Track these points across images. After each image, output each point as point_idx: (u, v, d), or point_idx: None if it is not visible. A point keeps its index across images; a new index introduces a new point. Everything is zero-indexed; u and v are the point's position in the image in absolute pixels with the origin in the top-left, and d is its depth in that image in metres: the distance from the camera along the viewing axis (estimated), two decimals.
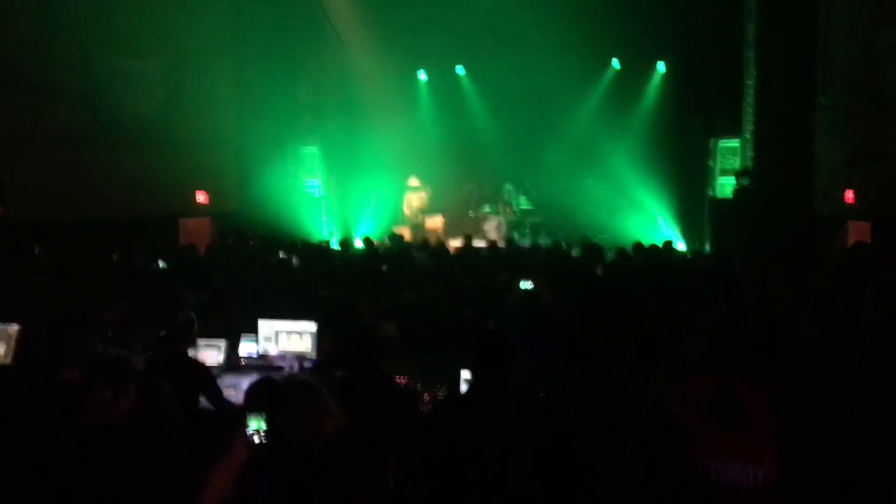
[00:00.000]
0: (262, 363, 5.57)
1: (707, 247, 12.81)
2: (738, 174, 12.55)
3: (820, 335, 4.09)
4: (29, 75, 11.54)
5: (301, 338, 5.56)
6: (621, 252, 9.31)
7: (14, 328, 5.34)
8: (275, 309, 5.92)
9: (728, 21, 13.03)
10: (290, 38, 14.50)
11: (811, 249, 10.19)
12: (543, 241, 13.86)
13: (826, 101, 11.75)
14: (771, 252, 9.41)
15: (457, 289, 6.69)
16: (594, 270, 7.96)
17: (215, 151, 13.99)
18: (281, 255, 9.76)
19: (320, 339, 5.52)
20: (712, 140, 13.75)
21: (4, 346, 5.33)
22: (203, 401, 4.49)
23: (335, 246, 10.72)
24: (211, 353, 5.42)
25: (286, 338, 5.58)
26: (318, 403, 2.92)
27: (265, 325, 5.63)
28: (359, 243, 12.10)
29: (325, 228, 14.46)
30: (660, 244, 10.16)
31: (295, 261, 9.33)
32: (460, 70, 15.80)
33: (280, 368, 5.41)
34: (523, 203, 15.62)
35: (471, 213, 15.96)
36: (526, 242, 13.51)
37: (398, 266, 8.60)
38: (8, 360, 5.28)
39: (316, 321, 5.57)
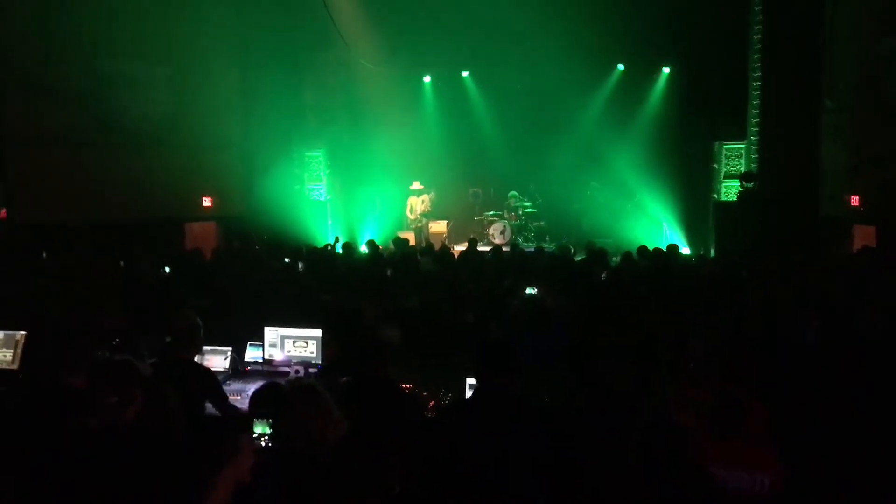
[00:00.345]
0: (268, 369, 5.59)
1: (712, 251, 12.80)
2: (743, 178, 12.54)
3: (823, 341, 4.09)
4: (35, 79, 11.58)
5: (306, 344, 5.58)
6: (626, 256, 9.30)
7: (21, 334, 5.37)
8: (280, 314, 5.94)
9: (732, 25, 13.05)
10: (295, 43, 14.55)
11: (816, 253, 10.16)
12: (548, 245, 13.86)
13: (831, 105, 11.73)
14: (775, 256, 9.39)
15: (461, 293, 6.69)
16: (598, 275, 7.95)
17: (221, 155, 14.05)
18: (286, 260, 9.78)
19: (325, 345, 5.54)
20: (717, 143, 13.74)
21: (12, 352, 5.37)
22: (209, 406, 4.50)
23: (339, 250, 10.71)
24: (217, 359, 5.45)
25: (291, 344, 5.60)
26: (322, 408, 2.93)
27: (270, 332, 5.65)
28: (363, 248, 12.12)
29: (329, 232, 14.47)
30: (664, 248, 10.14)
31: (300, 265, 9.35)
32: (465, 74, 15.83)
33: (285, 374, 5.42)
34: (527, 207, 15.63)
35: (475, 218, 15.99)
36: (530, 247, 13.51)
37: (403, 271, 8.61)
38: (15, 366, 5.32)
39: (321, 327, 5.59)
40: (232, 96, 14.24)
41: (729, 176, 13.47)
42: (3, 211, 11.21)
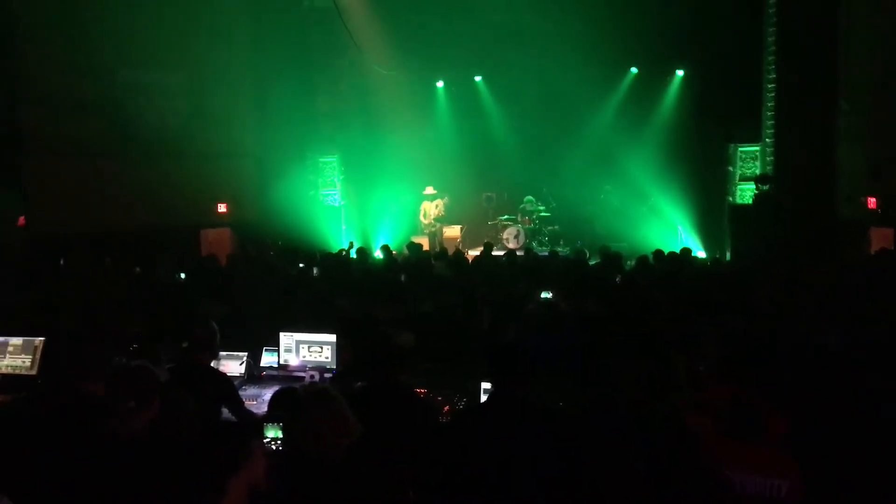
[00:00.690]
0: (283, 374, 5.61)
1: (727, 254, 12.72)
2: (758, 180, 12.45)
3: (843, 347, 4.05)
4: (54, 89, 11.72)
5: (321, 349, 5.61)
6: (642, 260, 9.25)
7: (39, 340, 5.43)
8: (295, 319, 5.97)
9: (747, 26, 12.97)
10: (309, 50, 14.63)
11: (832, 256, 10.07)
12: (562, 249, 13.83)
13: (848, 107, 11.63)
14: (792, 260, 9.31)
15: (475, 298, 6.69)
16: (613, 279, 7.92)
17: (236, 162, 14.15)
18: (300, 266, 9.82)
19: (340, 350, 5.56)
20: (732, 146, 13.64)
21: (31, 358, 5.43)
22: (225, 411, 4.53)
23: (354, 255, 10.75)
24: (232, 365, 5.48)
25: (307, 349, 5.63)
26: (336, 413, 2.94)
27: (286, 337, 5.68)
28: (378, 253, 12.15)
29: (344, 238, 14.52)
30: (679, 252, 10.08)
31: (314, 271, 9.39)
32: (478, 79, 15.85)
33: (301, 379, 5.44)
34: (542, 211, 15.61)
35: (489, 222, 16.00)
36: (544, 251, 13.49)
37: (417, 276, 8.62)
38: (34, 372, 5.38)
39: (335, 332, 5.61)
40: (246, 103, 14.34)
41: (744, 178, 13.37)
42: (22, 219, 11.34)
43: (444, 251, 11.67)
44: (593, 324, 5.49)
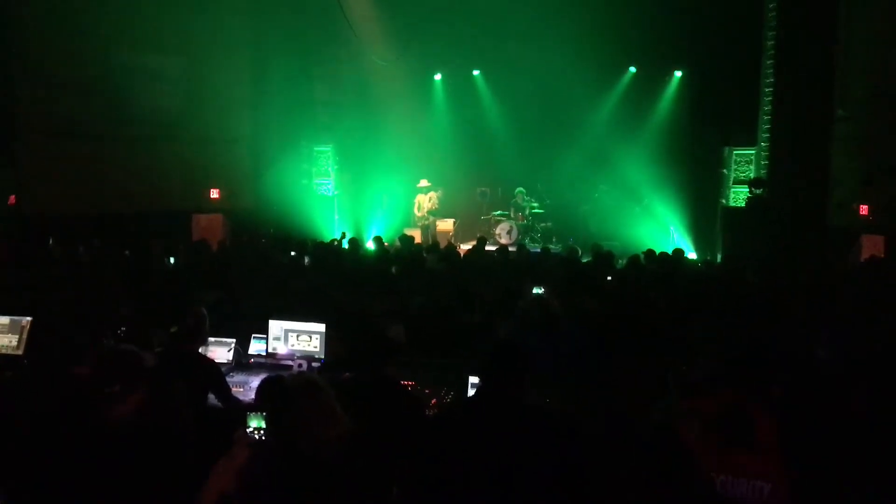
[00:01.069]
0: (271, 362, 5.60)
1: (719, 256, 12.76)
2: (752, 184, 12.49)
3: (833, 356, 4.07)
4: (48, 70, 11.63)
5: (310, 338, 5.60)
6: (633, 259, 9.27)
7: (27, 320, 5.41)
8: (285, 308, 5.95)
9: (746, 30, 12.99)
10: (308, 38, 14.56)
11: (823, 263, 10.11)
12: (554, 246, 13.85)
13: (843, 113, 11.67)
14: (784, 266, 9.34)
15: (467, 293, 6.68)
16: (604, 279, 7.92)
17: (230, 148, 14.09)
18: (292, 254, 9.80)
19: (329, 340, 5.55)
20: (727, 148, 13.68)
21: (17, 337, 5.40)
22: (211, 398, 4.52)
23: (346, 246, 10.72)
24: (221, 351, 5.47)
25: (295, 338, 5.62)
26: (323, 404, 2.93)
27: (275, 325, 5.67)
28: (370, 244, 12.13)
29: (336, 228, 14.49)
30: (670, 253, 10.10)
31: (306, 260, 9.36)
32: (476, 73, 15.83)
33: (289, 368, 5.43)
34: (535, 208, 15.62)
35: (482, 217, 16.00)
36: (536, 247, 13.50)
37: (408, 268, 8.61)
38: (20, 352, 5.35)
39: (325, 322, 5.60)
40: (243, 90, 14.27)
41: (738, 182, 13.41)
42: (13, 198, 11.26)
43: (436, 244, 11.66)
44: (589, 322, 5.49)
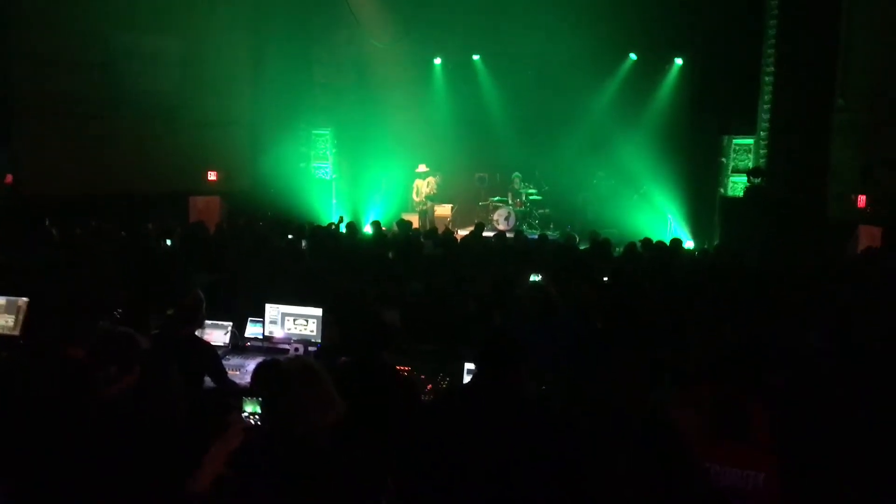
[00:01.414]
0: (268, 345, 5.61)
1: (715, 245, 12.77)
2: (751, 173, 12.47)
3: (830, 348, 4.07)
4: (46, 49, 11.56)
5: (306, 322, 5.60)
6: (629, 247, 9.27)
7: (23, 301, 5.41)
8: (281, 292, 5.95)
9: (747, 17, 12.92)
10: (307, 21, 14.48)
11: (821, 253, 10.12)
12: (551, 233, 13.85)
13: (843, 104, 11.64)
14: (781, 256, 9.36)
15: (464, 279, 6.68)
16: (601, 267, 7.92)
17: (228, 130, 14.04)
18: (289, 237, 9.78)
19: (325, 324, 5.55)
20: (726, 137, 13.65)
21: (14, 318, 5.41)
22: (207, 380, 4.52)
23: (343, 230, 10.71)
24: (217, 334, 5.48)
25: (292, 321, 5.62)
26: (320, 389, 2.92)
27: (271, 309, 5.67)
28: (367, 229, 12.12)
29: (334, 211, 14.47)
30: (667, 241, 10.10)
31: (303, 244, 9.35)
32: (476, 58, 15.76)
33: (285, 351, 5.44)
34: (533, 194, 15.60)
35: (480, 203, 15.99)
36: (534, 234, 13.51)
37: (406, 254, 8.60)
38: (17, 332, 5.35)
39: (322, 306, 5.60)
40: (242, 72, 14.21)
41: (736, 171, 13.40)
42: (9, 177, 11.22)
43: (434, 230, 11.65)
44: (586, 311, 5.49)
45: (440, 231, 11.39)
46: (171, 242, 9.05)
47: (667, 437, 2.66)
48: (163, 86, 13.23)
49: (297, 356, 5.07)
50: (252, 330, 5.72)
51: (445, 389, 4.48)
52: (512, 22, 13.92)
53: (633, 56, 14.91)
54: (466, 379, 4.39)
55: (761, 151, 13.01)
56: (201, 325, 5.07)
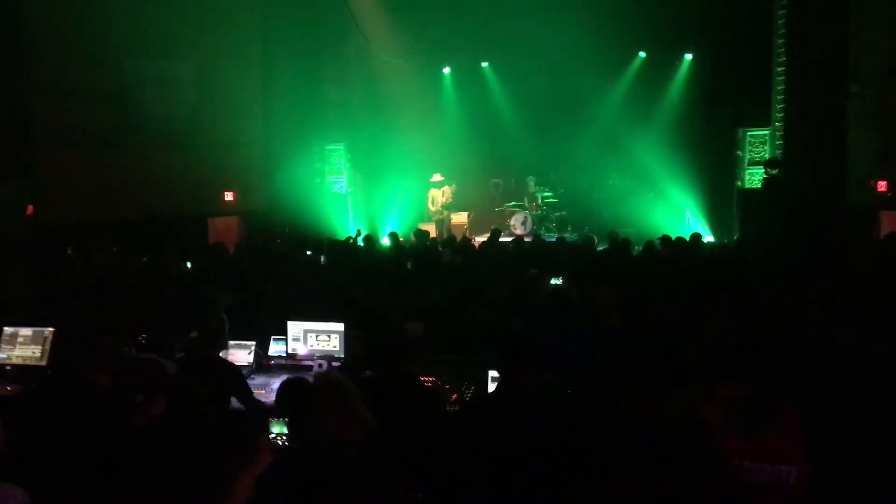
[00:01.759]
0: (291, 363, 5.63)
1: (736, 238, 12.67)
2: (768, 164, 12.37)
3: (856, 344, 4.02)
4: (63, 80, 11.72)
5: (329, 338, 5.61)
6: (648, 246, 9.21)
7: (49, 331, 5.47)
8: (303, 308, 5.97)
9: (756, 9, 12.85)
10: (316, 38, 14.59)
11: (843, 242, 10.00)
12: (569, 235, 13.81)
13: (858, 90, 11.52)
14: (802, 247, 9.26)
15: (483, 286, 6.67)
16: (622, 267, 7.88)
17: (243, 151, 14.15)
18: (308, 253, 9.83)
19: (348, 339, 5.56)
20: (741, 130, 13.56)
21: (40, 348, 5.47)
22: (234, 401, 4.55)
23: (361, 243, 10.75)
24: (241, 354, 5.50)
25: (315, 338, 5.64)
26: (348, 404, 2.93)
27: (294, 326, 5.69)
28: (385, 240, 12.15)
29: (351, 225, 14.53)
30: (686, 237, 10.03)
31: (322, 259, 9.39)
32: (485, 65, 15.79)
33: (309, 368, 5.45)
34: (549, 197, 15.57)
35: (496, 209, 15.98)
36: (552, 237, 13.47)
37: (424, 263, 8.61)
38: (44, 362, 5.41)
39: (344, 321, 5.61)
40: (254, 91, 14.32)
41: (753, 163, 13.29)
42: (30, 208, 11.37)
43: (451, 238, 11.65)
44: (609, 313, 5.45)
45: (458, 239, 11.39)
46: (192, 265, 9.12)
47: (696, 438, 2.63)
48: (177, 110, 13.37)
49: (326, 372, 5.09)
50: (275, 348, 5.74)
51: (470, 399, 4.47)
52: (518, 27, 13.93)
53: (642, 54, 14.88)
54: (491, 387, 4.38)
55: (777, 142, 12.91)
56: (225, 346, 5.10)
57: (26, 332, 5.52)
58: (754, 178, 13.16)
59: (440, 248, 9.83)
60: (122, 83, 12.58)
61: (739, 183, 13.54)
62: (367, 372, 4.38)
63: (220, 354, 4.91)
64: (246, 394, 4.60)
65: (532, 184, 15.63)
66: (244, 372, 5.10)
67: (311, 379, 4.15)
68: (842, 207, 11.51)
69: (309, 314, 5.75)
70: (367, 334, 5.29)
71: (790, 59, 12.45)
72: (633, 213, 14.35)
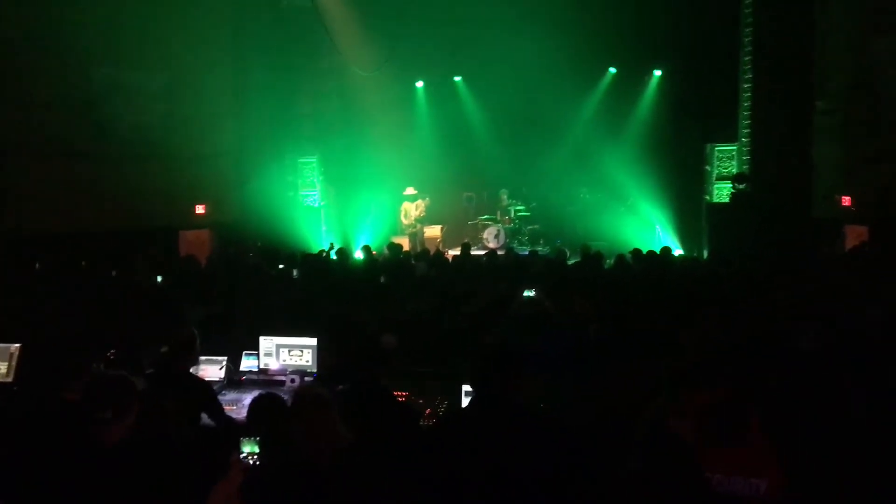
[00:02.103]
0: (263, 378, 5.58)
1: (705, 252, 12.85)
2: (735, 179, 12.59)
3: (820, 349, 4.09)
4: (29, 88, 11.56)
5: (302, 353, 5.58)
6: (619, 260, 9.31)
7: (15, 347, 5.36)
8: (275, 322, 5.93)
9: (723, 26, 13.10)
10: (289, 51, 14.59)
11: (808, 255, 10.20)
12: (542, 248, 13.89)
13: (823, 106, 11.78)
14: (769, 260, 9.42)
15: (457, 299, 6.69)
16: (594, 280, 7.95)
17: (215, 163, 14.03)
18: (280, 267, 9.77)
19: (321, 353, 5.54)
20: (709, 145, 13.79)
21: (6, 365, 5.35)
22: (204, 417, 4.49)
23: (334, 256, 10.71)
24: (212, 369, 5.44)
25: (287, 353, 5.60)
26: (329, 418, 2.91)
27: (266, 341, 5.65)
28: (358, 254, 12.12)
29: (324, 238, 14.47)
30: (657, 251, 10.15)
31: (295, 272, 9.34)
32: (458, 79, 15.88)
33: (281, 383, 5.41)
34: (521, 211, 15.66)
35: (469, 222, 16.03)
36: (524, 250, 13.54)
37: (397, 277, 8.61)
38: (10, 379, 5.30)
39: (316, 335, 5.59)
40: (226, 104, 14.23)
41: (721, 178, 13.51)
42: None
43: (425, 252, 11.66)
44: (581, 324, 5.49)
45: (431, 253, 11.40)
46: (162, 278, 9.02)
47: (667, 445, 2.65)
48: (147, 121, 13.23)
49: (309, 385, 5.05)
50: (247, 363, 5.69)
51: (444, 414, 4.47)
52: (491, 42, 14.03)
53: (612, 70, 15.06)
54: (465, 401, 4.38)
55: (744, 157, 13.14)
56: (196, 362, 5.04)
57: None
58: (722, 192, 13.38)
59: (413, 262, 9.83)
60: (91, 93, 12.44)
61: (708, 197, 13.74)
62: (340, 386, 4.36)
63: (192, 370, 4.85)
64: (217, 410, 4.54)
65: (505, 197, 15.72)
66: (215, 388, 5.04)
67: (284, 395, 4.14)
68: (808, 221, 11.73)
69: (281, 328, 5.71)
70: (340, 348, 5.26)
71: (757, 75, 12.70)
72: (604, 226, 14.49)
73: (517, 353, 3.19)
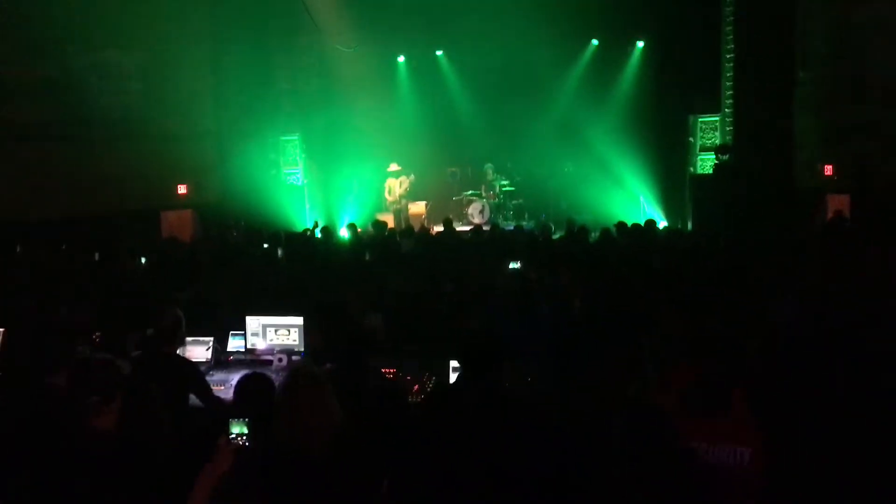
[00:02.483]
0: (251, 358, 5.58)
1: (689, 224, 12.91)
2: (718, 150, 12.62)
3: (800, 318, 4.14)
4: (4, 72, 11.36)
5: (289, 332, 5.57)
6: (604, 233, 9.34)
7: None
8: (261, 302, 5.92)
9: None
10: (268, 28, 14.40)
11: (790, 224, 10.28)
12: (527, 223, 13.90)
13: (805, 76, 11.81)
14: (752, 230, 9.49)
15: (442, 276, 6.69)
16: (579, 253, 7.97)
17: (195, 143, 13.90)
18: (265, 246, 9.72)
19: (307, 332, 5.53)
20: (692, 116, 13.80)
21: None
22: (193, 398, 4.49)
23: (319, 235, 10.66)
24: (198, 350, 5.42)
25: (274, 332, 5.59)
26: (326, 399, 2.91)
27: (252, 320, 5.63)
28: (343, 232, 12.08)
29: (308, 217, 14.40)
30: (642, 223, 10.18)
31: (279, 252, 9.30)
32: (439, 54, 15.75)
33: (269, 363, 5.41)
34: (505, 185, 15.63)
35: (454, 198, 16.00)
36: (509, 225, 13.54)
37: (383, 254, 8.59)
38: None
39: (303, 315, 5.58)
40: (205, 83, 14.07)
41: (704, 149, 13.54)
42: None
43: (409, 228, 11.64)
44: (567, 297, 5.51)
45: (416, 229, 11.38)
46: (145, 260, 8.95)
47: (652, 422, 2.69)
48: (125, 101, 13.07)
49: (304, 365, 5.04)
50: (234, 343, 5.68)
51: (432, 390, 4.49)
52: (472, 15, 13.90)
53: (594, 42, 14.98)
54: (452, 377, 4.40)
55: (727, 128, 13.17)
56: (182, 343, 5.02)
57: None
58: (706, 163, 13.41)
59: (399, 239, 9.81)
60: (66, 74, 12.24)
61: (692, 169, 13.77)
62: (328, 365, 4.37)
63: (178, 351, 4.84)
64: (204, 391, 4.54)
65: (490, 172, 15.65)
66: (202, 368, 5.04)
67: (272, 374, 4.14)
68: (790, 191, 11.81)
69: (267, 308, 5.70)
70: (327, 327, 5.26)
71: (738, 46, 12.69)
72: (588, 199, 14.48)
73: (500, 335, 3.20)
